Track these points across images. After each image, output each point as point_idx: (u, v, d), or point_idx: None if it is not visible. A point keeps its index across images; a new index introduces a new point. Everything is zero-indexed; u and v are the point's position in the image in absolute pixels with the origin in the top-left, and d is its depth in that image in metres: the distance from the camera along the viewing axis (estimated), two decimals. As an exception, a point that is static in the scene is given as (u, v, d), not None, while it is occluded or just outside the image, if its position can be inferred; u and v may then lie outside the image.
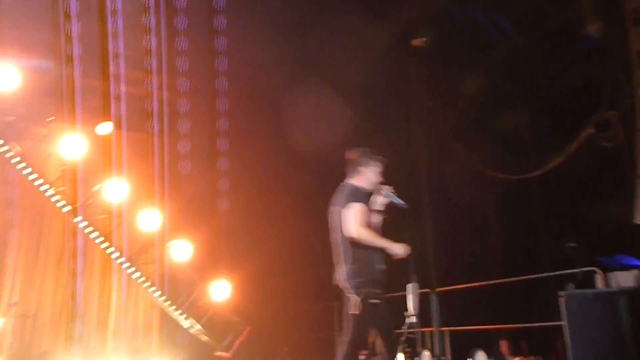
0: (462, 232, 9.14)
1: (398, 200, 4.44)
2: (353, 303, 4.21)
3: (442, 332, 7.34)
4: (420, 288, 4.93)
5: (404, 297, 4.93)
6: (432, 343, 7.36)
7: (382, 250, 4.26)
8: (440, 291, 7.51)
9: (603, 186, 8.15)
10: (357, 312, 4.19)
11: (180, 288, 7.83)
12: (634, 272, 6.01)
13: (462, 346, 7.57)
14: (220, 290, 7.83)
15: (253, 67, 7.77)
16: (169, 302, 7.77)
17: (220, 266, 7.82)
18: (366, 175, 4.44)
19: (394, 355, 4.28)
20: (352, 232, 4.19)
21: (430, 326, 7.28)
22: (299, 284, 9.04)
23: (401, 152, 7.97)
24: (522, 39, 8.97)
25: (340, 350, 4.26)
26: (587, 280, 6.34)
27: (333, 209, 4.44)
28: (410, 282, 5.37)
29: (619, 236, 7.65)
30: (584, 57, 8.00)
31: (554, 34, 8.59)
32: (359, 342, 4.22)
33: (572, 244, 6.14)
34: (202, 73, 7.70)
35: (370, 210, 4.42)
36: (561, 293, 5.54)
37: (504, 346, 7.81)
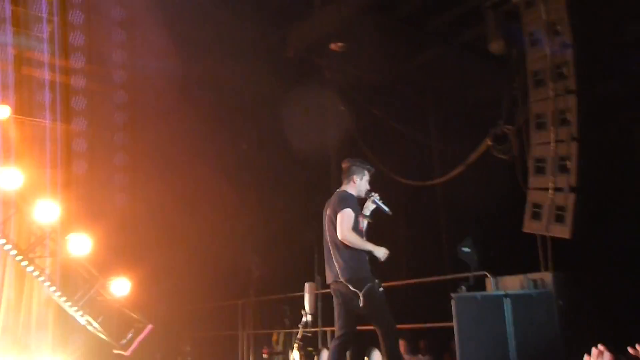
0: (368, 233, 9.36)
1: (385, 208, 4.86)
2: (364, 295, 4.54)
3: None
4: (324, 287, 5.07)
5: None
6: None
7: (368, 252, 4.72)
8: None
9: (499, 195, 8.63)
10: (372, 303, 4.55)
11: (78, 283, 7.49)
12: (520, 277, 6.43)
13: (361, 345, 7.75)
14: (121, 287, 7.56)
15: (153, 56, 7.66)
16: (65, 298, 7.42)
17: (121, 262, 7.57)
18: (358, 183, 4.90)
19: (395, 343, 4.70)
20: (341, 235, 4.62)
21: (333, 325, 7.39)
22: (203, 281, 8.92)
23: (313, 152, 8.08)
24: (434, 51, 9.35)
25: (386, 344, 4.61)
26: (482, 283, 6.71)
27: (327, 213, 4.85)
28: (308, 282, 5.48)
29: (511, 243, 8.13)
30: (489, 72, 8.46)
31: (463, 48, 9.03)
32: (393, 328, 4.68)
33: (465, 248, 6.48)
34: (105, 63, 7.51)
35: (360, 216, 4.83)
36: (452, 295, 5.83)
37: (400, 345, 8.06)
